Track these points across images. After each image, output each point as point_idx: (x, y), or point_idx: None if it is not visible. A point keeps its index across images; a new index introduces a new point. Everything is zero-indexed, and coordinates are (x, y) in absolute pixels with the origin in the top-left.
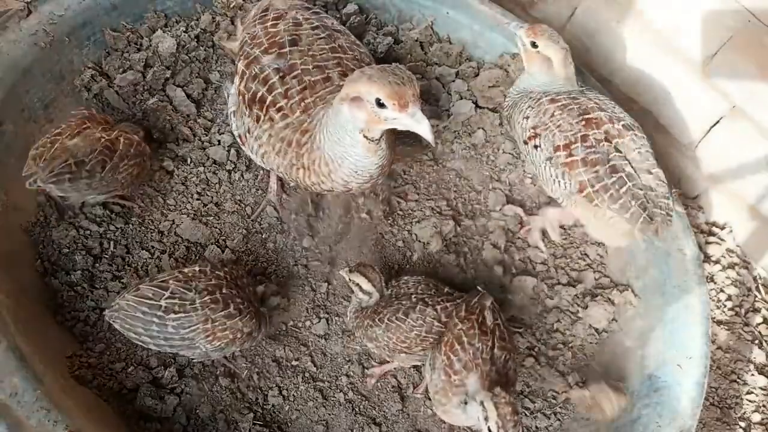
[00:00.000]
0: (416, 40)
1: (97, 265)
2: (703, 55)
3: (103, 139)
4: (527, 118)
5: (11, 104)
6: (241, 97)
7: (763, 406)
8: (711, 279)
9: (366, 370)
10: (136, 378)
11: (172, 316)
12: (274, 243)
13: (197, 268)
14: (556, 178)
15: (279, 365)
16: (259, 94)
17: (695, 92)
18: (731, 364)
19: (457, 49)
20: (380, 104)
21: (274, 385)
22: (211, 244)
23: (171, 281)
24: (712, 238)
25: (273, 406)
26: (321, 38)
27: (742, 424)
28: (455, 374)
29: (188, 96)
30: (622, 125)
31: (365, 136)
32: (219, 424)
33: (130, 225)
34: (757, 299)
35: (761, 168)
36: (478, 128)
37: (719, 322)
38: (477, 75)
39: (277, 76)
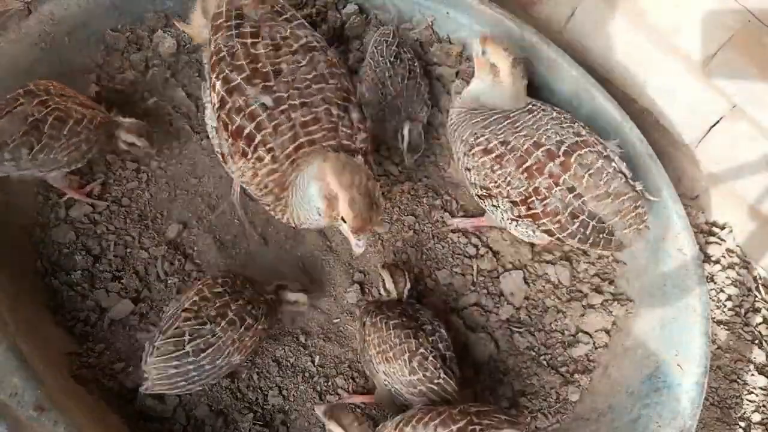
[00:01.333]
0: (416, 40)
1: (97, 265)
2: (703, 54)
3: (30, 119)
4: (468, 170)
5: None
6: (221, 124)
7: (763, 406)
8: (711, 279)
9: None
10: (136, 378)
11: (202, 355)
12: (275, 241)
13: (196, 297)
14: (526, 230)
15: (279, 365)
16: (246, 131)
17: (695, 92)
18: (731, 364)
19: (457, 49)
20: (343, 219)
21: (274, 385)
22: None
23: (182, 324)
24: (712, 238)
25: (273, 406)
26: (302, 66)
27: (742, 424)
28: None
29: (188, 95)
30: (564, 152)
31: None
32: (219, 424)
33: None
34: (757, 299)
35: (761, 168)
36: None
37: (719, 322)
38: None
39: (265, 113)
